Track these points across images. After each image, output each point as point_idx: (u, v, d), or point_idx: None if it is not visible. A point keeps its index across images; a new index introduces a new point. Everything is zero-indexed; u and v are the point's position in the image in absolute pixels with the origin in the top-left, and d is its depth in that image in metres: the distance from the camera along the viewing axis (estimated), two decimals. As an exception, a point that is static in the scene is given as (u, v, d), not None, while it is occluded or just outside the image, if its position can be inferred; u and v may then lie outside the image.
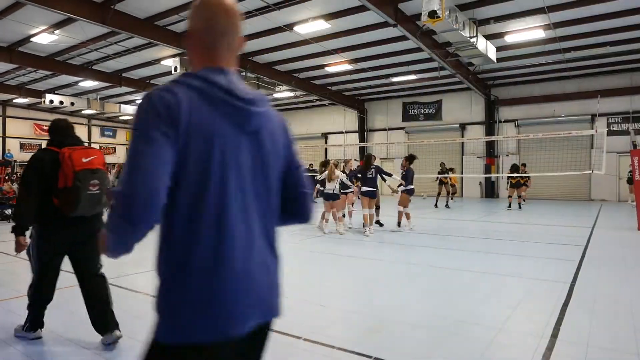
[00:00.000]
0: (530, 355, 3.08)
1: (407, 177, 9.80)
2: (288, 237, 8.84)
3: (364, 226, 9.14)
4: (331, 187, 9.18)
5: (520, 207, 14.79)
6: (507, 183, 15.35)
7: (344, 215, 9.91)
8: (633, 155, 10.04)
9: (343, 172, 9.97)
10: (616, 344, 3.29)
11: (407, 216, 9.68)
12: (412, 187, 9.81)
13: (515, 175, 14.63)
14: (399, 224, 9.87)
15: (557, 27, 13.10)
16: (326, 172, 9.44)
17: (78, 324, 3.77)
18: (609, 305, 4.21)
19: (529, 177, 14.91)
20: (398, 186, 9.94)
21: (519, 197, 14.97)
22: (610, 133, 17.08)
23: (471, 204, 17.10)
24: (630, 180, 14.46)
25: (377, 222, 10.41)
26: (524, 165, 17.45)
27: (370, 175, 9.18)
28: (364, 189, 9.19)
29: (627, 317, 3.86)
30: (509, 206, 14.68)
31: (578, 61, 16.75)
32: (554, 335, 3.44)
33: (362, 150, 24.77)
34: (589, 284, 5.01)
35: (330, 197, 9.27)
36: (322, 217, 9.54)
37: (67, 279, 4.01)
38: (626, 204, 16.20)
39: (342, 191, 9.49)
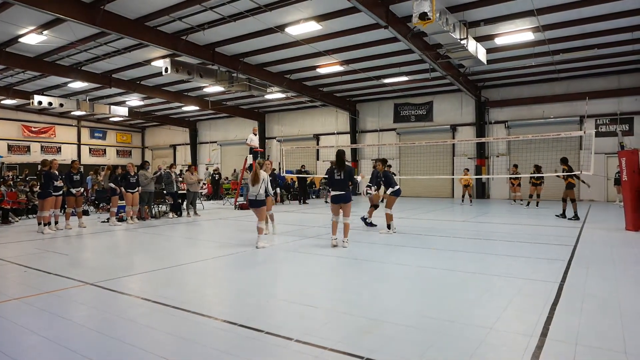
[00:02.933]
0: (521, 354, 3.10)
1: (389, 181, 9.56)
2: (275, 239, 8.84)
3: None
4: (254, 191, 7.74)
5: (537, 204, 15.87)
6: (530, 183, 16.14)
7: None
8: (620, 156, 10.17)
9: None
10: (604, 342, 3.33)
11: (389, 217, 9.52)
12: (397, 187, 9.57)
13: (536, 175, 15.01)
14: (388, 226, 9.55)
15: (546, 30, 13.26)
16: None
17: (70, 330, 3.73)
18: (598, 304, 4.26)
19: (541, 177, 15.42)
20: (385, 191, 9.83)
21: (538, 196, 15.84)
22: (598, 134, 17.37)
23: (464, 204, 17.21)
24: (617, 181, 14.64)
25: (370, 223, 10.38)
26: (515, 166, 17.67)
27: (339, 177, 7.79)
28: (332, 193, 7.91)
29: (615, 316, 3.91)
30: (537, 204, 15.84)
31: (567, 63, 16.97)
32: (544, 334, 3.47)
33: (354, 151, 24.86)
34: (578, 283, 5.06)
35: (253, 204, 7.82)
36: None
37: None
38: (614, 204, 16.41)
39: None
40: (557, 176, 12.43)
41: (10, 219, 12.10)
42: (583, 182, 13.59)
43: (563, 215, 12.15)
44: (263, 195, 7.74)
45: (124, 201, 12.04)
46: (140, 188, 12.11)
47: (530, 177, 15.66)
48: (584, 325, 3.66)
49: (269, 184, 8.06)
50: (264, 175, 7.84)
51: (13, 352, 3.23)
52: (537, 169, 15.25)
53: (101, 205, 15.44)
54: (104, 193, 14.13)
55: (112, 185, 11.77)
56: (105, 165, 26.46)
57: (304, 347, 3.26)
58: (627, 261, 6.48)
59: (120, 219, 12.13)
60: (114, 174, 11.96)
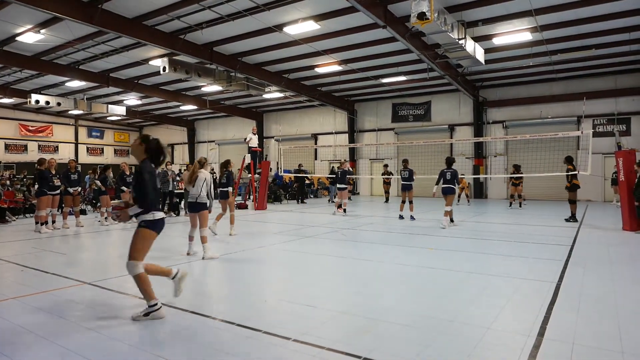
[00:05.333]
0: (518, 354, 3.11)
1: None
2: (273, 238, 8.84)
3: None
4: (195, 192, 6.82)
5: (520, 205, 15.78)
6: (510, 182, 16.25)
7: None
8: (618, 156, 10.20)
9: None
10: (601, 342, 3.34)
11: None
12: (402, 183, 11.99)
13: (516, 175, 15.24)
14: (452, 220, 10.61)
15: (544, 30, 13.29)
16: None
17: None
18: (595, 304, 4.28)
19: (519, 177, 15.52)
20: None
21: (519, 196, 15.79)
22: (595, 134, 17.41)
23: (460, 204, 17.24)
24: (614, 181, 14.68)
25: (400, 216, 12.01)
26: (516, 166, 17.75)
27: (196, 197, 6.75)
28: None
29: (612, 316, 3.92)
30: (520, 205, 15.73)
31: (564, 63, 17.02)
32: (541, 333, 3.48)
33: (352, 151, 24.87)
34: (575, 283, 5.08)
35: (193, 208, 6.88)
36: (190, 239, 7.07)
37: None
38: (611, 204, 16.46)
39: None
40: (567, 176, 11.41)
41: (7, 218, 12.07)
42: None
43: (574, 219, 11.29)
44: (204, 197, 6.83)
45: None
46: None
47: (510, 178, 15.81)
48: (581, 325, 3.67)
49: (212, 187, 7.01)
50: (204, 175, 6.88)
51: (10, 351, 3.22)
52: (516, 168, 15.39)
53: (99, 204, 15.39)
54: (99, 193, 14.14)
55: (98, 183, 11.80)
56: (102, 164, 26.44)
57: (301, 346, 3.26)
58: (624, 261, 6.50)
59: (118, 218, 12.10)
60: (102, 174, 11.93)
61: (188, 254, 6.95)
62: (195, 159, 31.98)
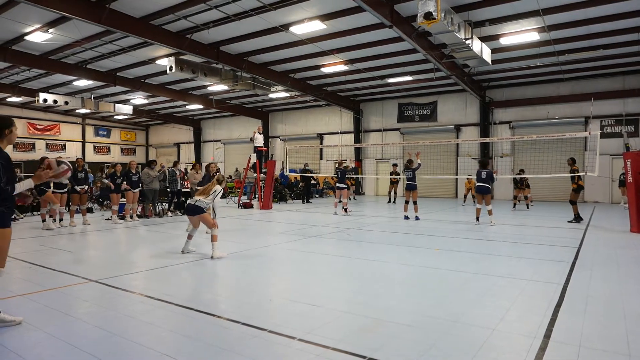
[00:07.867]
0: (523, 356, 3.09)
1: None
2: (278, 238, 8.85)
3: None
4: (209, 200, 6.95)
5: (528, 207, 15.75)
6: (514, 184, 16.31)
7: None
8: (626, 157, 10.11)
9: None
10: (608, 344, 3.31)
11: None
12: (407, 183, 12.06)
13: (519, 177, 15.23)
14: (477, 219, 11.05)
15: (552, 30, 13.20)
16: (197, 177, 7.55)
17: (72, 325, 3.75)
18: (601, 306, 4.24)
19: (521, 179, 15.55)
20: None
21: (525, 197, 15.79)
22: (603, 135, 17.27)
23: (467, 204, 17.18)
24: (622, 183, 14.55)
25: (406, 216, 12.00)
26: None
27: (196, 199, 6.92)
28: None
29: (619, 318, 3.89)
30: (514, 206, 15.77)
31: (572, 64, 16.89)
32: (547, 335, 3.45)
33: (358, 151, 24.84)
34: (582, 285, 5.04)
35: (191, 210, 6.85)
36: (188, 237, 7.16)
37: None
38: (619, 206, 16.33)
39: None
40: (573, 177, 11.38)
41: (15, 215, 12.17)
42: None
43: (577, 219, 11.25)
44: (204, 203, 6.81)
45: (124, 199, 12.12)
46: (141, 186, 12.16)
47: (515, 180, 15.85)
48: (588, 327, 3.65)
49: (219, 197, 7.18)
50: (217, 189, 7.01)
51: (17, 347, 3.25)
52: (521, 172, 15.41)
53: (105, 202, 15.50)
54: (108, 191, 14.24)
55: (106, 181, 11.92)
56: (109, 163, 26.63)
57: (306, 345, 3.27)
58: (632, 263, 6.44)
59: (122, 217, 12.18)
60: (112, 171, 12.04)
61: (182, 252, 6.99)
62: (201, 158, 32.21)
